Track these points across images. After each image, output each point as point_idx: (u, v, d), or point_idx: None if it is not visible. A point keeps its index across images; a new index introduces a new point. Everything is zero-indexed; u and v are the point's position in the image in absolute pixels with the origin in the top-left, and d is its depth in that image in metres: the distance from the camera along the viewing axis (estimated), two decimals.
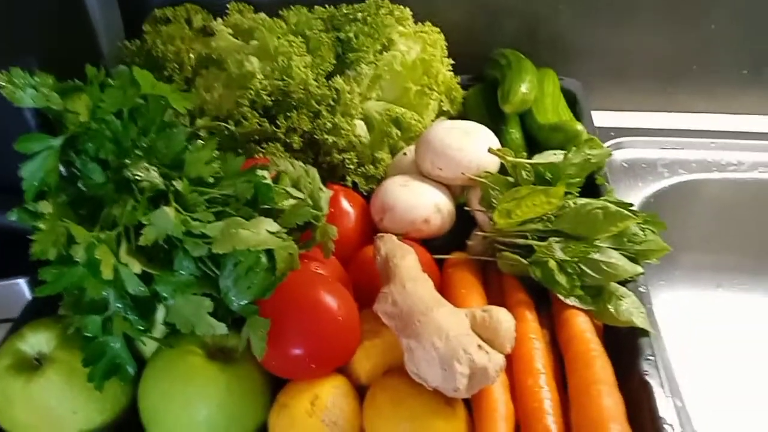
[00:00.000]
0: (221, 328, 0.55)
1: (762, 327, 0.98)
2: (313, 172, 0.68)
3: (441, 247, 0.74)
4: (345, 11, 0.86)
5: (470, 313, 0.58)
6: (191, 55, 0.87)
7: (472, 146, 0.72)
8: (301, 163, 0.70)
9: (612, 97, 1.03)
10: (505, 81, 0.83)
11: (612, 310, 0.64)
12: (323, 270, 0.65)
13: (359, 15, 0.84)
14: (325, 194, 0.66)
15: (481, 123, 0.86)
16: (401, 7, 0.90)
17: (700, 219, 0.97)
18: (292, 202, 0.62)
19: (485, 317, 0.57)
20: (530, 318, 0.64)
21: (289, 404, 0.56)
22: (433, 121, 0.90)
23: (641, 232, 0.67)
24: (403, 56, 0.85)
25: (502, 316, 0.57)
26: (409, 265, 0.60)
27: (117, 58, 0.89)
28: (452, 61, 0.96)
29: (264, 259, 0.57)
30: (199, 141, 0.62)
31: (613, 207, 0.65)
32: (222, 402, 0.55)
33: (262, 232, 0.55)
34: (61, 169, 0.62)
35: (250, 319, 0.55)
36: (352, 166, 0.83)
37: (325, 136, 0.80)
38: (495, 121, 0.85)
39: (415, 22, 0.94)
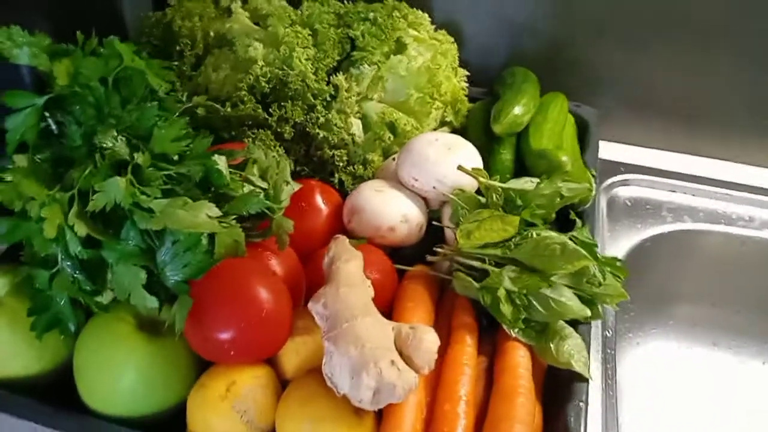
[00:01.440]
0: (152, 302, 0.57)
1: (750, 395, 0.93)
2: (284, 164, 0.69)
3: (411, 258, 0.74)
4: (358, 9, 0.86)
5: (397, 327, 0.58)
6: (211, 33, 0.90)
7: (450, 161, 0.72)
8: (276, 155, 0.71)
9: (628, 130, 1.00)
10: (500, 100, 0.82)
11: (552, 348, 0.62)
12: (277, 262, 0.66)
13: (370, 15, 0.85)
14: (289, 188, 0.67)
15: (478, 139, 0.85)
16: (417, 11, 0.90)
17: (701, 271, 0.93)
18: (249, 189, 0.63)
19: (409, 334, 0.57)
20: (468, 343, 0.63)
21: (207, 385, 0.57)
22: (434, 130, 0.90)
23: (600, 275, 0.64)
24: (410, 61, 0.85)
25: (425, 336, 0.56)
26: (350, 270, 0.61)
27: (139, 28, 0.92)
28: (467, 73, 0.95)
29: (205, 241, 0.58)
30: (174, 118, 0.64)
31: (571, 245, 0.63)
32: (143, 371, 0.57)
33: (201, 215, 0.56)
34: (53, 127, 0.65)
35: (181, 297, 0.57)
36: (341, 164, 0.83)
37: (317, 130, 0.81)
38: (491, 139, 0.84)
39: (436, 29, 0.94)
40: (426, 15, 0.91)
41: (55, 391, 0.62)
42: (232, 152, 0.65)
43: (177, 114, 0.71)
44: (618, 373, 0.91)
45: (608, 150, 0.99)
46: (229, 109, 0.81)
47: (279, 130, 0.81)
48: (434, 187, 0.72)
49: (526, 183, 0.70)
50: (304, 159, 0.85)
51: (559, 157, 0.75)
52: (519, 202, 0.69)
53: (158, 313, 0.59)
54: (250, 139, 0.80)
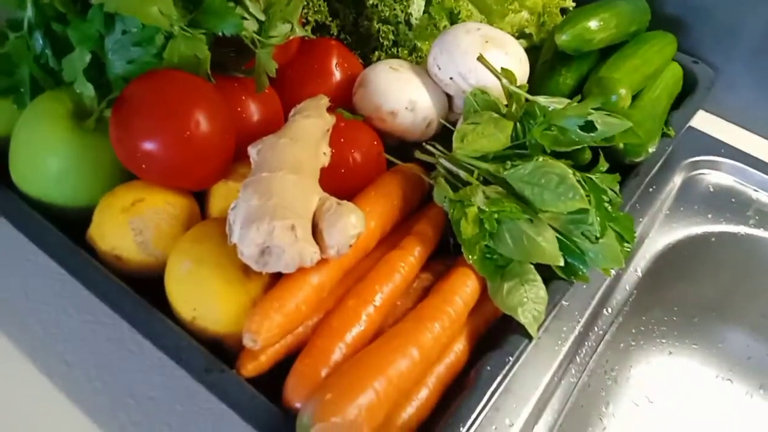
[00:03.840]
0: (89, 89, 0.53)
1: None
2: (296, 4, 0.61)
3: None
4: None
5: (324, 198, 0.50)
6: None
7: (480, 55, 0.60)
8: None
9: (752, 110, 0.82)
10: (577, 9, 0.68)
11: (504, 290, 0.51)
12: (253, 104, 0.60)
13: None
14: (284, 26, 0.59)
15: (549, 57, 0.72)
16: None
17: None
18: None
19: (331, 208, 0.48)
20: (413, 253, 0.54)
21: (116, 194, 0.53)
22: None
23: (599, 229, 0.52)
24: None
25: (348, 215, 0.48)
26: (304, 126, 0.53)
27: None
28: None
29: (159, 42, 0.53)
30: None
31: (572, 180, 0.51)
32: (62, 156, 0.54)
33: (152, 7, 0.50)
34: None
35: (115, 91, 0.53)
36: (386, 42, 0.74)
37: None
38: (561, 59, 0.70)
39: None
40: None
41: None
42: None
43: None
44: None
45: (716, 125, 0.82)
46: None
47: None
48: (452, 79, 0.61)
49: (559, 102, 0.58)
50: (351, 27, 0.77)
51: (616, 88, 0.61)
52: (541, 119, 0.57)
53: (97, 104, 0.54)
54: None
